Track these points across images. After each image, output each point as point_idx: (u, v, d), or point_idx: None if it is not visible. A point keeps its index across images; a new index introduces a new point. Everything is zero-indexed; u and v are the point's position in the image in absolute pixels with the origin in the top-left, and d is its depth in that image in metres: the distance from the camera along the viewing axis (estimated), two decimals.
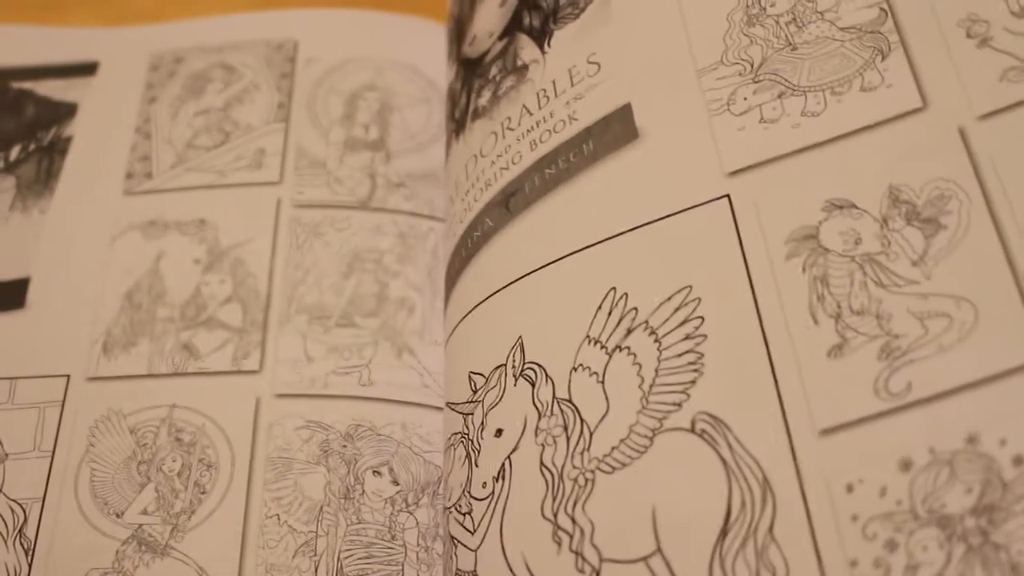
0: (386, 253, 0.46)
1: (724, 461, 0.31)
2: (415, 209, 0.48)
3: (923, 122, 0.32)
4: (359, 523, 0.40)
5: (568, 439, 0.33)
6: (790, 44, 0.35)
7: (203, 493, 0.41)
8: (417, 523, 0.40)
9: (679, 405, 0.32)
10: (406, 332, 0.44)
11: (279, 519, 0.40)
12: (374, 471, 0.41)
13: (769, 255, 0.32)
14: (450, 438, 0.38)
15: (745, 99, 0.35)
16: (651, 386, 0.32)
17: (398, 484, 0.41)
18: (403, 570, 0.39)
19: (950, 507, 0.28)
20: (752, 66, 0.35)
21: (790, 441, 0.30)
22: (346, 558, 0.39)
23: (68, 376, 0.44)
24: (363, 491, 0.41)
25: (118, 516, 0.41)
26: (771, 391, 0.31)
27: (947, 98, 0.32)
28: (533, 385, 0.35)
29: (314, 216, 0.47)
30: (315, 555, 0.39)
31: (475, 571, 0.35)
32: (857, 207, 0.32)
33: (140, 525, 0.40)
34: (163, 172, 0.50)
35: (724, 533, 0.30)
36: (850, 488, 0.29)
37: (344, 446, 0.42)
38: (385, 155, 0.49)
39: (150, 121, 0.52)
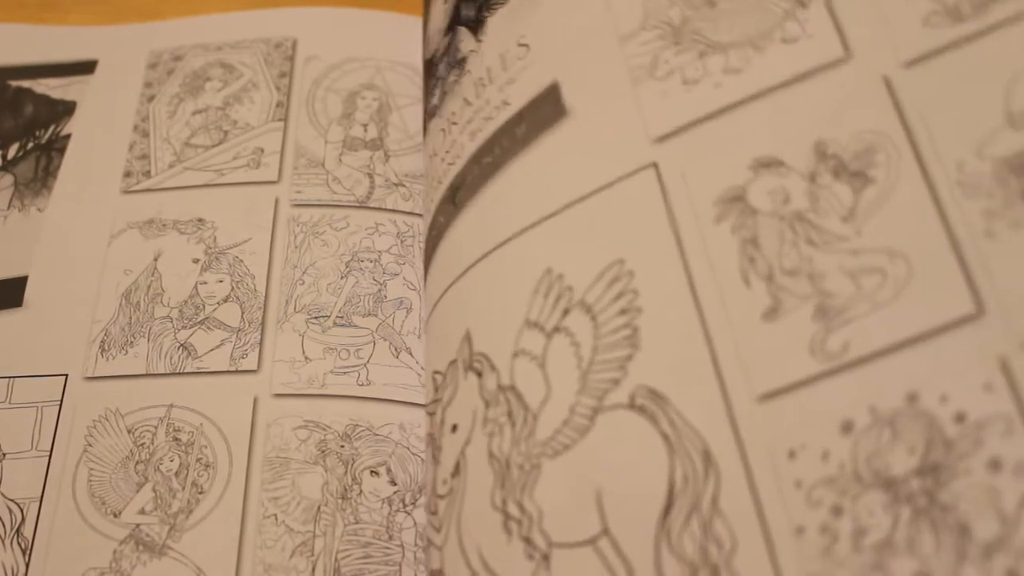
0: (384, 253, 0.45)
1: (664, 435, 0.29)
2: (413, 209, 0.46)
3: (846, 72, 0.30)
4: (356, 523, 0.39)
5: (513, 426, 0.32)
6: (709, 1, 0.33)
7: (201, 493, 0.40)
8: (415, 523, 0.39)
9: (617, 382, 0.30)
10: (404, 332, 0.43)
11: (276, 519, 0.39)
12: (372, 471, 0.40)
13: (698, 220, 0.30)
14: (425, 439, 0.37)
15: (667, 62, 0.33)
16: (589, 365, 0.31)
17: (396, 484, 0.40)
18: (400, 570, 0.38)
19: (894, 468, 0.26)
20: (673, 28, 0.33)
21: (729, 410, 0.28)
22: (343, 558, 0.38)
23: (66, 375, 0.43)
24: (360, 491, 0.40)
25: (116, 516, 0.40)
26: (707, 359, 0.29)
27: (870, 46, 0.30)
28: (480, 376, 0.33)
29: (312, 215, 0.46)
30: (312, 555, 0.38)
31: (442, 570, 0.33)
32: (784, 164, 0.30)
33: (138, 525, 0.39)
34: (161, 171, 0.49)
35: (669, 508, 0.28)
36: (792, 454, 0.27)
37: (342, 446, 0.41)
38: (384, 154, 0.48)
39: (148, 119, 0.51)
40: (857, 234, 0.28)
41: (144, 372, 0.43)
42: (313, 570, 0.38)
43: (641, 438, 0.29)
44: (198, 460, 0.41)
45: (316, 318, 0.44)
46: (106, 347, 0.44)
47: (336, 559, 0.38)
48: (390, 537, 0.39)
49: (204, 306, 0.45)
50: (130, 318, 0.44)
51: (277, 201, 0.47)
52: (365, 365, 0.43)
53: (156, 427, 0.42)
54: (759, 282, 0.29)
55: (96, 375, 0.43)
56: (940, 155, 0.28)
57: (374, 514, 0.39)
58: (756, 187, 0.30)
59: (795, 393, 0.28)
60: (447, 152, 0.39)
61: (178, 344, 0.44)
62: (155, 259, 0.46)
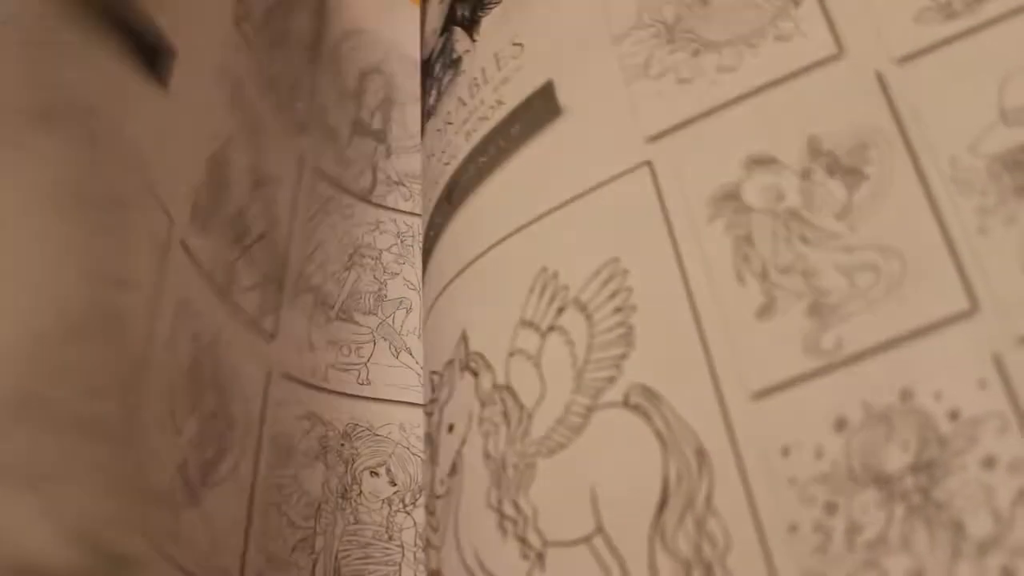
0: (384, 252, 0.45)
1: (659, 433, 0.29)
2: (413, 209, 0.46)
3: (839, 69, 0.30)
4: (356, 523, 0.39)
5: (508, 425, 0.32)
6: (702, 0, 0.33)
7: (224, 450, 0.37)
8: (415, 523, 0.39)
9: (612, 380, 0.30)
10: (404, 332, 0.43)
11: (279, 509, 0.38)
12: (371, 471, 0.40)
13: (692, 218, 0.30)
14: (424, 439, 0.37)
15: (661, 61, 0.33)
16: (584, 363, 0.31)
17: (395, 485, 0.40)
18: (400, 570, 0.38)
19: (888, 466, 0.26)
20: (667, 26, 0.33)
21: (723, 407, 0.28)
22: (343, 558, 0.38)
23: None
24: (360, 491, 0.39)
25: None
26: (701, 358, 0.29)
27: (862, 43, 0.30)
28: (476, 376, 0.33)
29: (325, 191, 0.45)
30: (313, 552, 0.38)
31: (440, 570, 0.33)
32: (778, 161, 0.30)
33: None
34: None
35: (663, 507, 0.28)
36: (786, 451, 0.27)
37: (342, 444, 0.40)
38: (386, 149, 0.47)
39: None
40: (851, 231, 0.28)
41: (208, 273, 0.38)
42: (313, 568, 0.38)
43: (635, 436, 0.29)
44: (224, 414, 0.37)
45: (322, 304, 0.43)
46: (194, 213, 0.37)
47: (336, 559, 0.38)
48: (390, 537, 0.39)
49: (249, 232, 0.40)
50: (205, 195, 0.38)
51: (302, 158, 0.44)
52: (365, 364, 0.42)
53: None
54: (753, 280, 0.29)
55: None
56: (933, 151, 0.28)
57: (374, 514, 0.39)
58: (750, 185, 0.30)
59: (789, 390, 0.28)
60: (443, 152, 0.39)
61: (230, 260, 0.39)
62: (228, 141, 0.40)
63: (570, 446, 0.30)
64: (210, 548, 0.35)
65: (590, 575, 0.29)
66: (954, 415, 0.25)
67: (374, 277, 0.44)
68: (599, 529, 0.29)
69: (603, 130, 0.33)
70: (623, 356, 0.30)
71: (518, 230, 0.34)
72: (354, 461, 0.40)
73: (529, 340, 0.32)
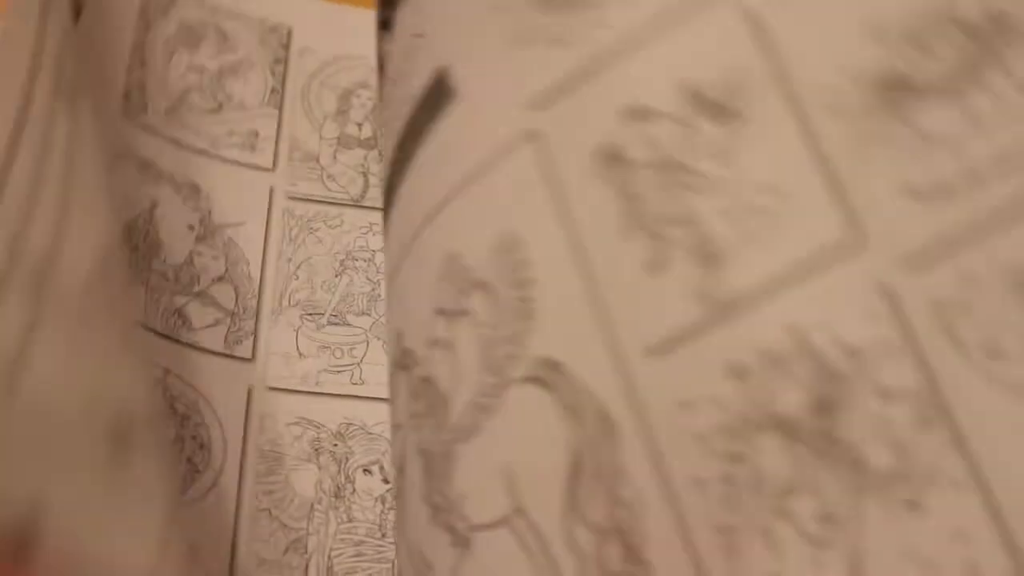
0: (378, 252, 0.45)
1: (564, 403, 0.28)
2: None
3: (708, 10, 0.29)
4: (349, 521, 0.39)
5: (434, 416, 0.31)
6: None
7: (197, 472, 0.39)
8: None
9: (517, 356, 0.29)
10: None
11: (270, 514, 0.39)
12: (364, 469, 0.40)
13: (578, 180, 0.29)
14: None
15: (534, 23, 0.32)
16: (491, 343, 0.30)
17: (388, 482, 0.40)
18: (393, 567, 0.38)
19: (787, 409, 0.25)
20: None
21: (623, 368, 0.27)
22: (336, 556, 0.38)
23: None
24: (354, 490, 0.39)
25: None
26: (597, 321, 0.28)
27: None
28: (408, 372, 0.33)
29: (307, 210, 0.46)
30: (306, 553, 0.38)
31: (401, 570, 0.33)
32: (654, 111, 0.29)
33: None
34: (157, 113, 0.45)
35: (574, 478, 0.27)
36: (687, 405, 0.26)
37: (335, 444, 0.40)
38: (378, 153, 0.47)
39: (145, 47, 0.46)
40: (731, 173, 0.27)
41: (143, 322, 0.41)
42: (306, 568, 0.38)
43: (542, 410, 0.29)
44: (193, 438, 0.40)
45: (311, 315, 0.43)
46: None
47: (329, 557, 0.38)
48: (383, 535, 0.39)
49: (199, 279, 0.43)
50: (129, 257, 0.42)
51: (272, 190, 0.46)
52: (359, 364, 0.42)
53: (154, 387, 0.40)
54: (640, 235, 0.28)
55: None
56: (806, 84, 0.27)
57: (367, 512, 0.39)
58: (628, 138, 0.29)
59: (684, 344, 0.27)
60: (380, 154, 0.39)
61: (173, 309, 0.42)
62: (152, 208, 0.43)
63: (485, 428, 0.30)
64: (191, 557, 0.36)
65: (513, 555, 0.28)
66: (847, 350, 0.24)
67: (367, 278, 0.44)
68: (518, 508, 0.28)
69: (488, 105, 0.32)
70: (526, 330, 0.29)
71: (427, 222, 0.33)
72: (347, 460, 0.40)
73: (443, 328, 0.32)
